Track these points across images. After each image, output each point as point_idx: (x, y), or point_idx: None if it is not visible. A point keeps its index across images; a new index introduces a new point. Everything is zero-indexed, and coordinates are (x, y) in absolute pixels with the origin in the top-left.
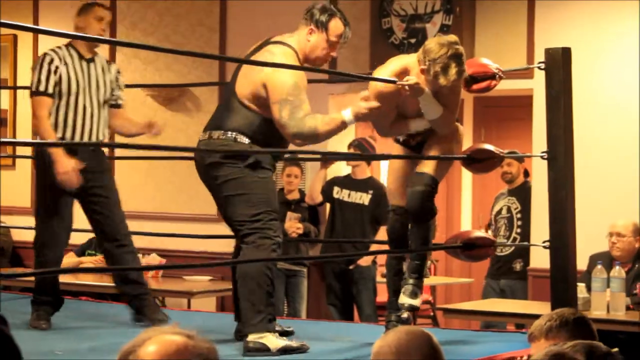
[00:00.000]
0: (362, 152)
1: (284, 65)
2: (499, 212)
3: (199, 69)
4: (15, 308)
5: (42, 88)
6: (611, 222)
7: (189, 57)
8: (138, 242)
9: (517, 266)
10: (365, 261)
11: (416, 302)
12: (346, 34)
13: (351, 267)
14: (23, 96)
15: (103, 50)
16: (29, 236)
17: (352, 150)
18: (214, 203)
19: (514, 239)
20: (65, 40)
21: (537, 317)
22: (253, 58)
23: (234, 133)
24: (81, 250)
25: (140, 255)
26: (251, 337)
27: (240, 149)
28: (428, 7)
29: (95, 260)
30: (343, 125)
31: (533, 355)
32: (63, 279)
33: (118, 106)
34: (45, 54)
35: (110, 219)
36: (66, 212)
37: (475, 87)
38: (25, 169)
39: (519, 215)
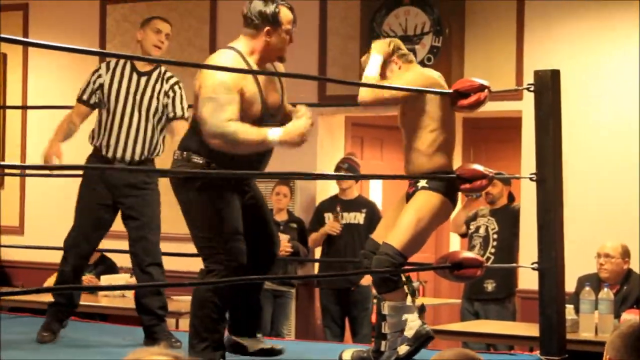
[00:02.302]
0: (353, 174)
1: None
2: (477, 230)
3: (185, 89)
4: (4, 328)
5: (78, 95)
6: (600, 244)
7: (176, 74)
8: (126, 262)
9: (489, 287)
10: (366, 280)
11: None
12: (294, 17)
13: (353, 288)
14: (13, 116)
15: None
16: (17, 255)
17: (342, 173)
18: None
19: (487, 259)
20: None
21: (525, 338)
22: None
23: (189, 153)
24: None
25: (128, 275)
26: None
27: (194, 169)
28: (417, 28)
29: (86, 279)
30: (264, 144)
31: None
32: (51, 298)
33: (173, 119)
34: (98, 66)
35: (139, 242)
36: (100, 223)
37: (464, 102)
38: (14, 188)
39: (495, 236)
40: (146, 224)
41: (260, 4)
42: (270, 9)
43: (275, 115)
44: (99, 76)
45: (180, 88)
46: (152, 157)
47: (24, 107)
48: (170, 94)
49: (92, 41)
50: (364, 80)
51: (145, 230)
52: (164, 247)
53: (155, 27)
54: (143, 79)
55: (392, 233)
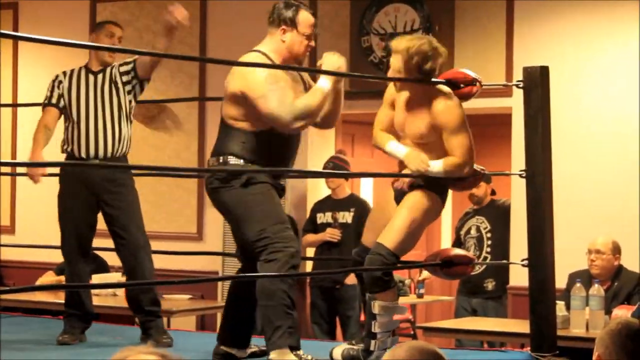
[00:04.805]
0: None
1: (267, 66)
2: (468, 231)
3: (179, 86)
4: None
5: (46, 101)
6: (590, 240)
7: (168, 74)
8: (117, 261)
9: (489, 285)
10: (351, 280)
11: None
12: (316, 21)
13: (337, 286)
14: (4, 114)
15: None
16: (9, 255)
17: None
18: (193, 221)
19: (484, 258)
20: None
21: (517, 335)
22: (228, 76)
23: (226, 156)
24: (60, 269)
25: (119, 274)
26: (273, 356)
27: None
28: (407, 25)
29: None
30: (327, 95)
31: None
32: (42, 297)
33: (133, 65)
34: (55, 74)
35: (121, 237)
36: (88, 224)
37: (456, 92)
38: (4, 187)
39: (488, 235)
40: (130, 222)
41: (282, 6)
42: (289, 13)
43: None
44: (60, 82)
45: (127, 62)
46: (125, 152)
47: (15, 105)
48: (122, 69)
49: (82, 39)
50: (449, 170)
51: (130, 228)
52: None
53: (108, 31)
54: (99, 77)
55: (386, 233)
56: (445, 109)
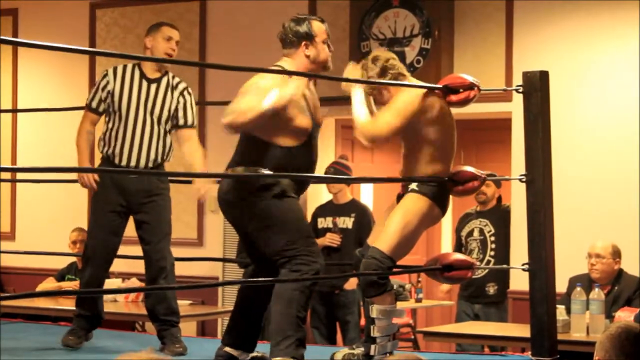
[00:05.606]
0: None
1: (292, 73)
2: (470, 233)
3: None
4: None
5: (87, 102)
6: (590, 244)
7: None
8: (119, 266)
9: (491, 290)
10: (350, 285)
11: None
12: (326, 26)
13: (336, 291)
14: (4, 120)
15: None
16: (9, 261)
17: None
18: (193, 226)
19: (488, 262)
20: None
21: (517, 339)
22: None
23: (255, 167)
24: (60, 275)
25: (119, 280)
26: None
27: (266, 180)
28: (407, 30)
29: (75, 284)
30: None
31: None
32: (42, 304)
33: (183, 126)
34: (105, 71)
35: (151, 246)
36: (114, 229)
37: (454, 98)
38: (5, 193)
39: (492, 239)
40: (159, 230)
41: (293, 24)
42: (303, 26)
43: (320, 127)
44: (107, 82)
45: (189, 94)
46: (164, 161)
47: (15, 111)
48: (181, 100)
49: (82, 45)
50: (358, 128)
51: (157, 236)
52: None
53: (165, 34)
54: (153, 86)
55: (380, 237)
56: (401, 93)
